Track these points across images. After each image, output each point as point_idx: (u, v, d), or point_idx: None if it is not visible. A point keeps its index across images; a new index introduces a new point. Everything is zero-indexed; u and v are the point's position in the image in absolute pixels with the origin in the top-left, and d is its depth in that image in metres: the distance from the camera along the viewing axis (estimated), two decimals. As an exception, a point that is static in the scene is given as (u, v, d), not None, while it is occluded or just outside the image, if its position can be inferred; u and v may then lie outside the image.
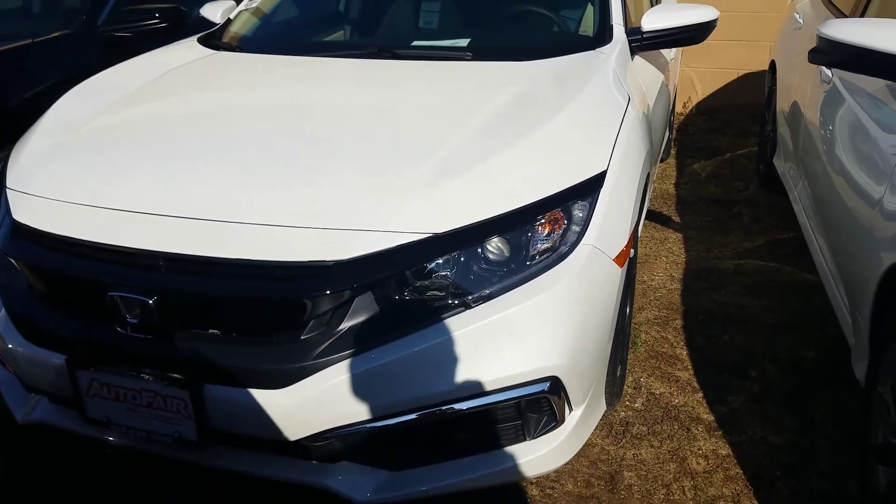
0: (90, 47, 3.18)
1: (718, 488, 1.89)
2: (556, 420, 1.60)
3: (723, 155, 4.58)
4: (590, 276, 1.59)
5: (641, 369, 2.39)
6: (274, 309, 1.49)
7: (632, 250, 1.87)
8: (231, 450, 1.60)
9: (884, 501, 1.61)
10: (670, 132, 4.43)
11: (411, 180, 1.57)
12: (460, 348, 1.48)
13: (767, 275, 3.03)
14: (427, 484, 1.59)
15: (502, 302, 1.51)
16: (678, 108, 5.50)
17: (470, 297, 1.50)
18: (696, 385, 2.31)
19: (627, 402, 2.23)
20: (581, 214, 1.62)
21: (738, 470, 1.94)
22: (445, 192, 1.54)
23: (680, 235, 3.44)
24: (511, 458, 1.61)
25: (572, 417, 1.65)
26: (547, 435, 1.62)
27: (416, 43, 2.51)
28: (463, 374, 1.48)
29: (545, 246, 1.57)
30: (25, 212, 1.69)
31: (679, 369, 2.39)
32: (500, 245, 1.55)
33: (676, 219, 3.66)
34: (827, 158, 2.51)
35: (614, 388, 1.98)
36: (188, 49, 2.55)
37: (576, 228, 1.60)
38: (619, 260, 1.69)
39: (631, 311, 2.37)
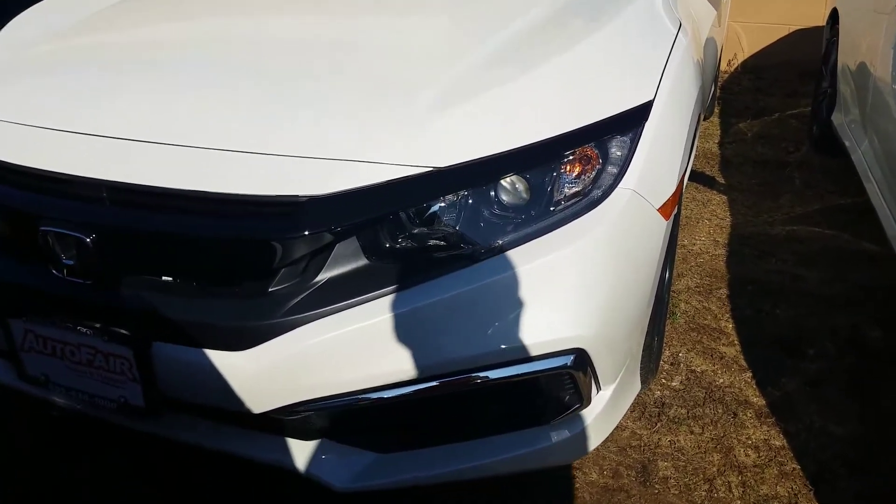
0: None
1: (772, 486, 1.59)
2: (580, 401, 1.31)
3: (771, 115, 4.19)
4: (628, 227, 1.29)
5: (681, 343, 2.09)
6: (237, 253, 1.21)
7: (678, 202, 1.55)
8: (186, 419, 1.34)
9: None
10: (715, 88, 4.05)
11: (410, 107, 1.26)
12: (464, 310, 1.19)
13: (824, 243, 2.68)
14: (419, 471, 1.31)
15: (518, 255, 1.21)
16: (722, 66, 5.08)
17: (479, 248, 1.21)
18: (743, 363, 2.00)
19: (664, 380, 1.93)
20: (620, 153, 1.30)
21: (794, 465, 1.64)
22: (451, 121, 1.24)
23: (724, 198, 3.10)
24: (524, 444, 1.33)
25: (600, 398, 1.36)
26: (569, 418, 1.33)
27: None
28: (467, 341, 1.20)
29: (574, 189, 1.26)
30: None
31: (724, 345, 2.08)
32: (517, 185, 1.25)
33: (721, 180, 3.31)
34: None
35: (650, 363, 1.68)
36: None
37: (613, 169, 1.29)
38: (664, 211, 1.38)
39: (671, 276, 2.06)
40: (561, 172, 1.26)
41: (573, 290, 1.22)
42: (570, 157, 1.27)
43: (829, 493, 1.57)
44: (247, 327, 1.18)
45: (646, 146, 1.34)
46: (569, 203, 1.25)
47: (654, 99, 1.39)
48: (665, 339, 2.07)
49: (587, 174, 1.28)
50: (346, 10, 1.77)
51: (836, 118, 3.26)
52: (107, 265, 1.24)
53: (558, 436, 1.34)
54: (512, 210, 1.24)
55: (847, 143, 2.94)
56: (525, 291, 1.21)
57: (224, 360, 1.19)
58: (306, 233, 1.16)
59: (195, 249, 1.22)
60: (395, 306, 1.18)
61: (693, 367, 1.98)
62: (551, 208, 1.25)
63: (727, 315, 2.22)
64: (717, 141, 3.80)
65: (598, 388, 1.35)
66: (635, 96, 1.37)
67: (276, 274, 1.20)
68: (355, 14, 1.72)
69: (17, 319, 1.31)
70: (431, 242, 1.22)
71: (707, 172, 3.39)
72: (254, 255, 1.20)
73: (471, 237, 1.22)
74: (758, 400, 1.85)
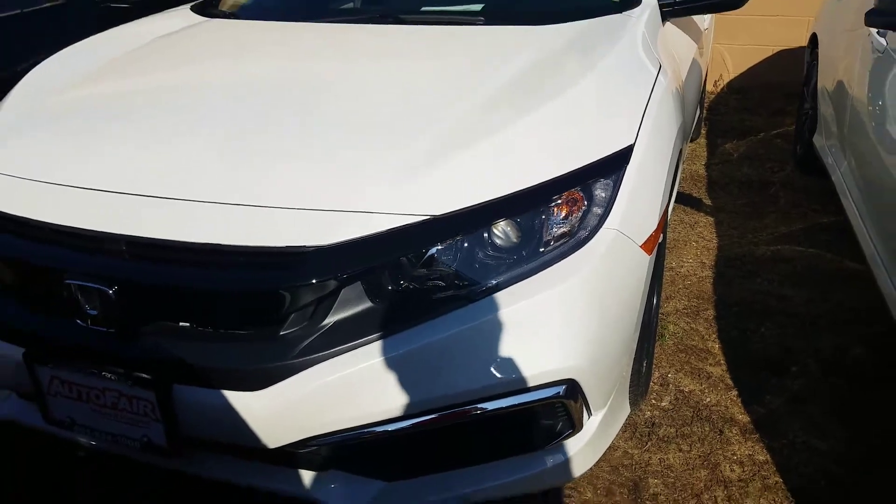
0: (84, 19, 3.02)
1: (755, 499, 1.68)
2: (572, 427, 1.41)
3: (756, 135, 4.31)
4: (613, 264, 1.39)
5: (669, 364, 2.19)
6: (249, 301, 1.31)
7: (661, 235, 1.66)
8: (206, 456, 1.43)
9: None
10: (701, 110, 4.17)
11: (407, 157, 1.37)
12: (463, 347, 1.29)
13: (808, 262, 2.79)
14: (425, 496, 1.41)
15: (512, 294, 1.31)
16: (708, 87, 5.21)
17: (475, 289, 1.31)
18: (729, 382, 2.09)
19: (654, 401, 2.03)
20: (604, 194, 1.41)
21: (777, 479, 1.74)
22: (446, 170, 1.35)
23: (711, 219, 3.21)
24: (521, 469, 1.42)
25: (591, 423, 1.46)
26: (562, 443, 1.42)
27: (425, 8, 2.30)
28: (466, 376, 1.29)
29: (562, 230, 1.37)
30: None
31: (711, 364, 2.18)
32: (508, 229, 1.35)
33: (707, 201, 3.42)
34: (877, 136, 2.27)
35: (639, 386, 1.78)
36: (179, 17, 2.37)
37: (598, 210, 1.39)
38: (647, 246, 1.48)
39: (659, 300, 2.16)
40: (549, 215, 1.36)
41: (563, 326, 1.32)
42: (559, 201, 1.38)
43: (811, 506, 1.66)
44: (261, 369, 1.28)
45: (628, 187, 1.44)
46: (557, 244, 1.35)
47: (634, 143, 1.50)
48: (654, 361, 2.17)
49: (574, 216, 1.38)
50: (342, 61, 1.88)
51: (817, 139, 3.37)
52: (128, 314, 1.33)
53: (553, 460, 1.43)
54: (504, 252, 1.35)
55: (828, 164, 3.06)
56: (518, 327, 1.30)
57: (240, 401, 1.28)
58: (313, 281, 1.25)
59: (210, 298, 1.32)
60: (398, 346, 1.28)
61: (681, 388, 2.08)
62: (541, 249, 1.35)
63: (714, 336, 2.32)
64: (703, 162, 3.92)
65: (590, 414, 1.44)
66: (617, 141, 1.48)
67: (286, 319, 1.29)
68: (350, 65, 1.83)
69: (43, 366, 1.40)
70: (430, 284, 1.32)
71: (694, 195, 3.51)
72: (265, 302, 1.29)
73: (467, 278, 1.32)
74: (743, 417, 1.95)
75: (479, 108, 1.52)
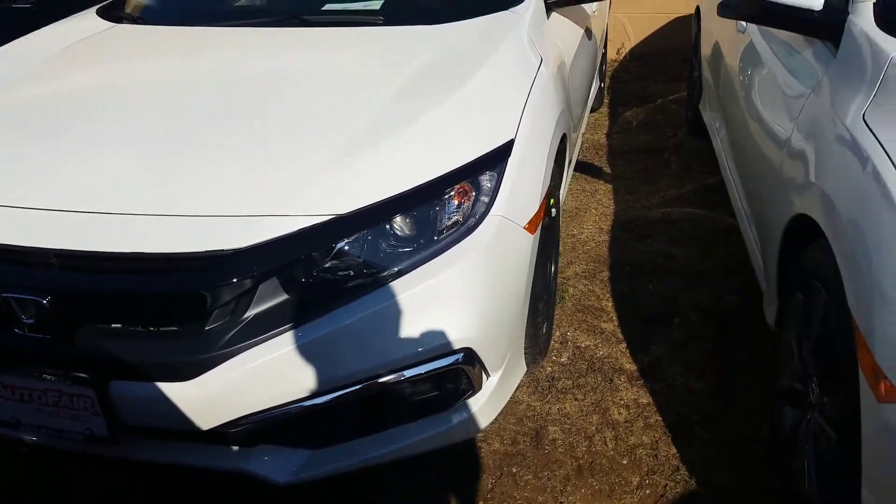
0: (-17, 20, 2.98)
1: (638, 437, 1.96)
2: (472, 388, 1.62)
3: (654, 101, 4.62)
4: (500, 246, 1.60)
5: (569, 324, 2.44)
6: (174, 301, 1.46)
7: (545, 217, 1.87)
8: (146, 441, 1.58)
9: (790, 442, 1.70)
10: (601, 81, 4.43)
11: (312, 161, 1.54)
12: (371, 327, 1.48)
13: (694, 222, 3.10)
14: (349, 459, 1.60)
15: (413, 278, 1.50)
16: (612, 56, 5.49)
17: (381, 276, 1.49)
18: (620, 336, 2.37)
19: (554, 357, 2.28)
20: (489, 185, 1.61)
21: (657, 417, 2.02)
22: (348, 171, 1.52)
23: (610, 186, 3.48)
24: (430, 428, 1.63)
25: (489, 384, 1.68)
26: (465, 402, 1.64)
27: (327, 7, 2.42)
28: (377, 351, 1.48)
29: (454, 219, 1.56)
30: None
31: (604, 321, 2.45)
32: (407, 221, 1.54)
33: (607, 169, 3.69)
34: (744, 103, 2.55)
35: (538, 347, 2.02)
36: (86, 21, 2.41)
37: (484, 199, 1.60)
38: (530, 227, 1.70)
39: (556, 268, 2.41)
40: (443, 207, 1.56)
41: (458, 302, 1.53)
42: (451, 193, 1.57)
43: (685, 439, 1.95)
44: (189, 361, 1.43)
45: (511, 176, 1.65)
46: (451, 231, 1.55)
47: (515, 136, 1.70)
48: (555, 322, 2.42)
49: (464, 206, 1.58)
50: (249, 67, 2.00)
51: (702, 105, 3.68)
52: (63, 321, 1.46)
53: (458, 417, 1.65)
54: (405, 241, 1.53)
55: (710, 128, 3.36)
56: (419, 307, 1.50)
57: (173, 390, 1.44)
58: (232, 281, 1.41)
59: (139, 301, 1.46)
60: (313, 331, 1.46)
61: (578, 344, 2.34)
62: (436, 237, 1.54)
63: (608, 295, 2.59)
64: (605, 132, 4.20)
65: (487, 376, 1.67)
66: (500, 136, 1.68)
67: (210, 315, 1.45)
68: (257, 71, 1.96)
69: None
70: (340, 275, 1.50)
71: (596, 163, 3.78)
72: (189, 301, 1.44)
73: (372, 267, 1.50)
74: (630, 366, 2.22)
75: (377, 110, 1.69)
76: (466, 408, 1.65)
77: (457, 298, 1.52)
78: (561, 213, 2.60)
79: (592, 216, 3.19)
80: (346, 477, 1.63)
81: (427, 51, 1.96)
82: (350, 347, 1.47)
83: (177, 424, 1.47)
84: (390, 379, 1.51)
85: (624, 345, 2.32)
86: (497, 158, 1.64)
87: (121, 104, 1.83)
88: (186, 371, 1.43)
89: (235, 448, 1.59)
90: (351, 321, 1.46)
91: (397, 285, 1.50)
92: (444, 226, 1.55)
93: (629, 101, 4.65)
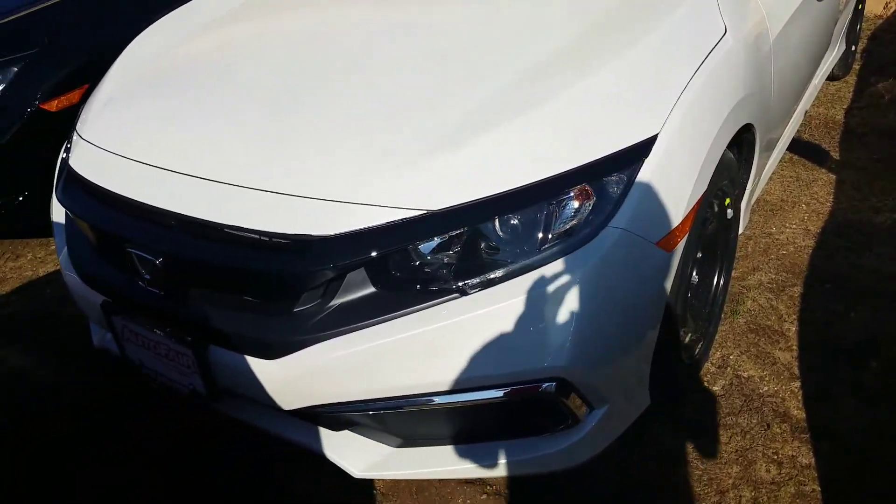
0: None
1: (786, 505, 1.62)
2: (570, 419, 1.43)
3: (922, 71, 3.74)
4: (617, 265, 1.35)
5: (735, 344, 2.08)
6: (267, 279, 1.44)
7: (688, 230, 1.54)
8: (244, 403, 1.62)
9: None
10: (850, 44, 3.67)
11: (419, 143, 1.39)
12: (455, 337, 1.33)
13: (936, 235, 2.47)
14: (429, 466, 1.51)
15: (508, 290, 1.33)
16: (878, 10, 4.54)
17: (471, 282, 1.34)
18: (794, 371, 1.97)
19: (707, 383, 1.96)
20: (615, 190, 1.36)
21: (815, 487, 1.65)
22: (453, 160, 1.36)
23: (832, 177, 2.90)
24: (523, 450, 1.47)
25: (594, 416, 1.46)
26: (560, 433, 1.45)
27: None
28: (456, 364, 1.34)
29: (566, 227, 1.34)
30: (75, 158, 1.77)
31: (780, 349, 2.05)
32: (510, 224, 1.35)
33: (835, 154, 3.08)
34: None
35: (677, 375, 1.74)
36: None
37: (605, 207, 1.35)
38: (665, 243, 1.41)
39: (727, 277, 2.05)
40: (554, 211, 1.34)
41: (555, 325, 1.32)
42: (566, 197, 1.35)
43: (848, 518, 1.57)
44: (276, 340, 1.41)
45: (645, 181, 1.37)
46: (557, 241, 1.34)
47: (659, 132, 1.41)
48: (720, 340, 2.08)
49: (579, 213, 1.35)
50: (387, 24, 1.88)
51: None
52: (173, 281, 1.52)
53: (553, 446, 1.47)
54: (504, 247, 1.35)
55: None
56: (511, 323, 1.33)
57: (259, 366, 1.44)
58: (316, 268, 1.35)
59: (236, 273, 1.46)
60: (396, 331, 1.35)
61: (740, 372, 1.98)
62: (540, 247, 1.34)
63: (793, 316, 2.16)
64: (845, 106, 3.49)
65: (591, 408, 1.45)
66: (639, 130, 1.40)
67: (298, 297, 1.41)
68: (394, 30, 1.84)
69: (116, 317, 1.64)
70: (429, 275, 1.37)
71: (823, 145, 3.16)
72: (280, 281, 1.41)
73: (466, 271, 1.35)
74: (798, 413, 1.84)
75: (503, 86, 1.49)
76: (565, 437, 1.47)
77: (554, 321, 1.32)
78: (748, 211, 2.20)
79: (800, 213, 2.68)
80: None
81: (575, 15, 1.69)
82: (429, 354, 1.35)
83: (261, 398, 1.48)
84: (469, 396, 1.37)
85: (797, 383, 1.93)
86: (631, 158, 1.37)
87: (258, 59, 1.83)
88: (271, 349, 1.42)
89: (319, 429, 1.57)
90: (433, 327, 1.33)
91: (489, 295, 1.33)
92: (552, 233, 1.34)
93: (885, 70, 3.81)
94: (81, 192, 1.71)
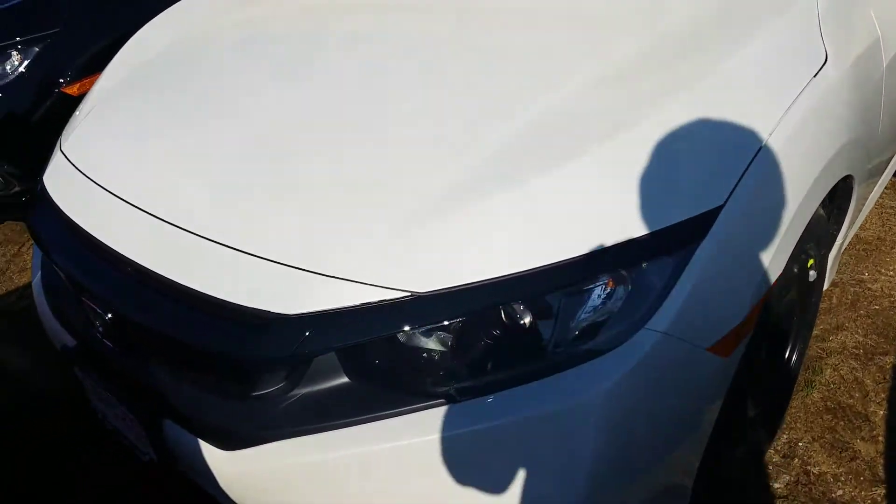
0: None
1: None
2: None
3: None
4: (655, 376, 1.04)
5: (806, 427, 1.73)
6: (216, 355, 1.19)
7: (752, 328, 1.19)
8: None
9: None
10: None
11: (405, 215, 1.09)
12: (444, 457, 1.06)
13: None
14: None
15: (506, 403, 1.04)
16: None
17: (461, 388, 1.06)
18: (879, 473, 1.61)
19: (769, 475, 1.63)
20: (657, 281, 1.04)
21: None
22: (443, 237, 1.06)
23: (946, 212, 2.44)
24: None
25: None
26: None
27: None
28: (438, 494, 1.07)
29: (587, 325, 1.04)
30: (49, 172, 1.56)
31: (862, 438, 1.69)
32: (514, 318, 1.06)
33: (951, 183, 2.60)
34: None
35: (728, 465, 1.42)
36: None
37: (644, 302, 1.03)
38: (721, 348, 1.09)
39: (802, 348, 1.70)
40: (571, 305, 1.04)
41: (564, 460, 1.03)
42: (585, 287, 1.04)
43: None
44: (229, 429, 1.17)
45: (698, 269, 1.05)
46: (576, 343, 1.04)
47: (724, 203, 1.07)
48: (789, 419, 1.73)
49: (606, 309, 1.04)
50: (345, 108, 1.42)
51: None
52: (124, 339, 1.30)
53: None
54: (506, 344, 1.06)
55: None
56: (508, 447, 1.04)
57: (210, 454, 1.20)
58: (266, 353, 1.09)
59: (187, 343, 1.22)
60: (367, 441, 1.08)
61: (810, 466, 1.64)
62: (554, 348, 1.04)
63: (882, 395, 1.78)
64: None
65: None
66: (692, 203, 1.07)
67: (254, 381, 1.16)
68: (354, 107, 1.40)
69: (78, 365, 1.44)
70: (413, 371, 1.09)
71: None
72: (236, 360, 1.17)
73: (457, 371, 1.07)
74: (880, 533, 1.49)
75: (523, 138, 1.16)
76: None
77: (563, 453, 1.03)
78: (835, 264, 1.82)
79: (900, 257, 2.26)
80: None
81: (626, 34, 1.34)
82: (396, 479, 1.08)
83: (214, 492, 1.25)
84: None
85: (881, 490, 1.57)
86: (681, 238, 1.05)
87: (254, 84, 1.52)
88: (224, 438, 1.18)
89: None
90: (411, 442, 1.06)
91: (484, 407, 1.04)
92: (570, 333, 1.04)
93: None
94: (46, 214, 1.50)
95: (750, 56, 1.24)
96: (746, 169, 1.10)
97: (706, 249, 1.05)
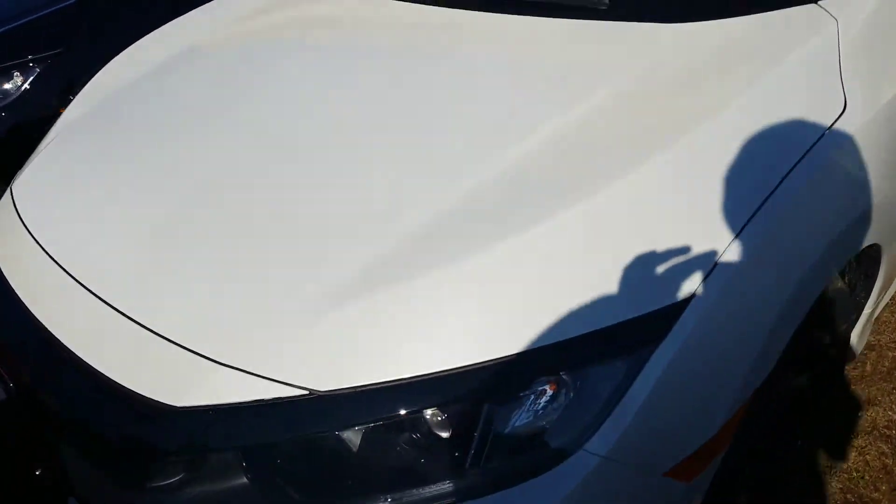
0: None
1: None
2: None
3: None
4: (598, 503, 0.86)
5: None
6: (122, 442, 1.06)
7: (727, 444, 0.98)
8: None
9: None
10: None
11: (315, 300, 0.94)
12: None
13: None
14: None
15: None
16: None
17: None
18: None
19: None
20: (604, 389, 0.85)
21: None
22: (351, 326, 0.91)
23: None
24: None
25: None
26: None
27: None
28: None
29: (516, 438, 0.86)
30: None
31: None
32: (426, 427, 0.89)
33: None
34: None
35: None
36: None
37: (584, 415, 0.85)
38: (680, 472, 0.89)
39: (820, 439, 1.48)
40: (497, 414, 0.86)
41: None
42: (516, 393, 0.86)
43: None
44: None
45: (654, 377, 0.86)
46: (501, 462, 0.86)
47: (694, 293, 0.88)
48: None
49: (541, 420, 0.86)
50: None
51: None
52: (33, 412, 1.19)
53: None
54: (419, 458, 0.89)
55: None
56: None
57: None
58: (152, 443, 0.96)
59: (84, 421, 1.10)
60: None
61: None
62: (471, 465, 0.87)
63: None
64: None
65: None
66: (654, 293, 0.88)
67: (152, 470, 1.03)
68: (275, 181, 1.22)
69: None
70: (323, 478, 0.94)
71: None
72: (132, 448, 1.04)
73: (370, 484, 0.91)
74: None
75: (458, 210, 0.99)
76: None
77: None
78: (865, 334, 1.58)
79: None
80: None
81: (619, 78, 1.15)
82: None
83: None
84: None
85: None
86: (638, 337, 0.86)
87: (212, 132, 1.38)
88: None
89: None
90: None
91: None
92: (495, 451, 0.87)
93: None
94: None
95: (736, 117, 1.03)
96: (724, 251, 0.91)
97: (667, 352, 0.86)
